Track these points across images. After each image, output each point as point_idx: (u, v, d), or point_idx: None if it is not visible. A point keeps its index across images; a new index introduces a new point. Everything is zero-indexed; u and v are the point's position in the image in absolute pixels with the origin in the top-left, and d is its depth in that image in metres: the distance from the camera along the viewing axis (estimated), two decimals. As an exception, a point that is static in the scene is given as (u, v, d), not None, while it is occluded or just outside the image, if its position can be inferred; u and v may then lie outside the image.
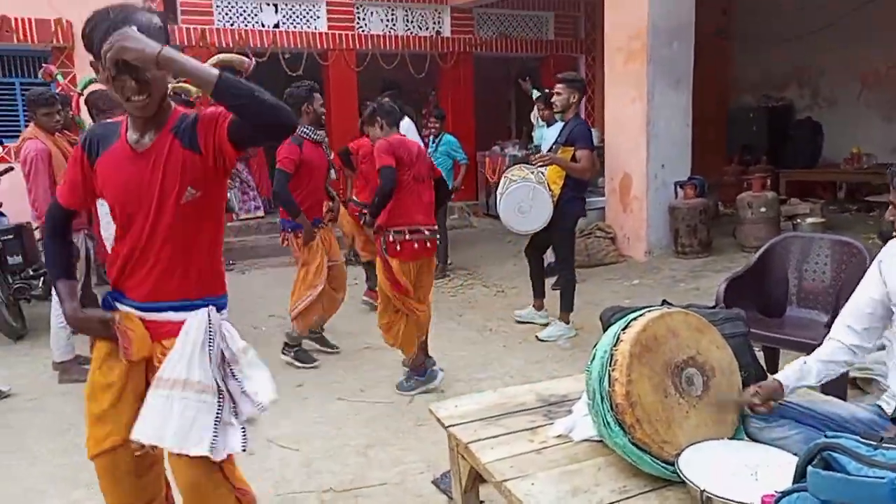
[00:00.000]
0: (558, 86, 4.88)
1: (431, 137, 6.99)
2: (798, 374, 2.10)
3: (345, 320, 5.44)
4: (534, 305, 5.26)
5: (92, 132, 2.00)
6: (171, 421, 1.80)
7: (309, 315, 4.42)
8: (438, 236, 3.98)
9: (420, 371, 4.03)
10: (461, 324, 5.36)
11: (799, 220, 6.98)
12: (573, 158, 4.71)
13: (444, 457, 2.88)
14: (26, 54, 7.82)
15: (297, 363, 4.47)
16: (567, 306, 4.96)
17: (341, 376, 4.33)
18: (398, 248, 3.79)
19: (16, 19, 7.45)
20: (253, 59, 5.68)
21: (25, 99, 4.72)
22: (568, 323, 4.91)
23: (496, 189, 5.40)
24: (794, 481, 1.50)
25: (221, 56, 5.60)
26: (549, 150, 4.90)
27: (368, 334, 5.10)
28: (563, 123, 4.89)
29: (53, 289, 2.09)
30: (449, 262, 7.07)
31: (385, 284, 3.88)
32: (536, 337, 4.97)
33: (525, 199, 4.63)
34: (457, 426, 2.34)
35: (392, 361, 4.52)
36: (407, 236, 3.79)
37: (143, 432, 1.82)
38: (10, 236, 5.17)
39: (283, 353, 4.50)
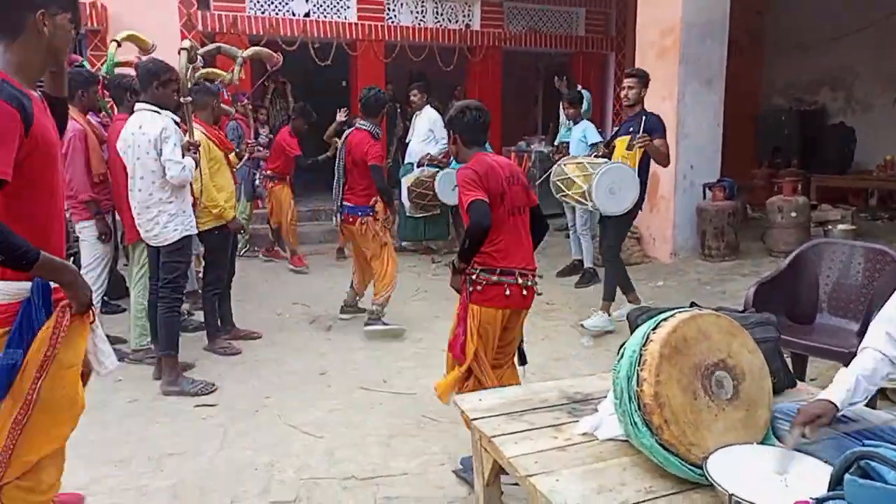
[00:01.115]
0: (630, 80, 4.96)
1: None
2: (849, 393, 1.95)
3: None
4: (630, 301, 5.09)
5: None
6: None
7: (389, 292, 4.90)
8: (537, 283, 3.05)
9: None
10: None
11: (830, 227, 6.88)
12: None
13: (465, 449, 2.89)
14: (62, 37, 7.93)
15: (387, 327, 4.91)
16: (608, 296, 4.99)
17: (363, 366, 4.36)
18: (485, 291, 2.89)
19: (53, 2, 7.56)
20: (280, 54, 5.79)
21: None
22: (609, 313, 4.92)
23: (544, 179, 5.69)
24: (830, 489, 1.48)
25: (253, 49, 5.67)
26: (605, 145, 5.01)
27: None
28: (632, 116, 4.96)
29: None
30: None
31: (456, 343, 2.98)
32: (581, 325, 5.04)
33: (616, 180, 4.64)
34: (480, 419, 2.34)
35: (412, 354, 4.55)
36: (497, 279, 2.88)
37: None
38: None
39: (370, 324, 4.90)
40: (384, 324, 4.90)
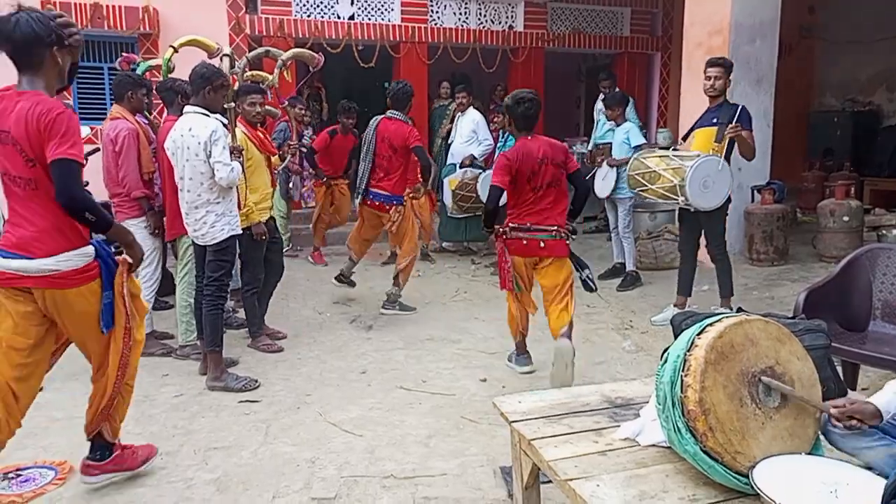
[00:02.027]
0: (715, 69, 4.78)
1: (502, 132, 6.96)
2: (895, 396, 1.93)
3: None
4: (676, 304, 5.07)
5: None
6: None
7: (408, 273, 5.40)
8: (562, 237, 3.95)
9: (517, 352, 4.25)
10: (523, 320, 5.33)
11: (884, 231, 6.64)
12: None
13: (504, 451, 2.89)
14: (114, 40, 8.17)
15: (402, 313, 5.37)
16: (728, 291, 4.92)
17: (403, 366, 4.38)
18: (511, 242, 3.98)
19: (107, 6, 7.79)
20: (322, 55, 5.89)
21: (115, 80, 4.83)
22: (731, 308, 4.79)
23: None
24: (884, 502, 1.44)
25: (295, 50, 5.78)
26: (683, 137, 4.97)
27: (431, 326, 5.15)
28: (714, 107, 4.83)
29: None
30: None
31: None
32: (650, 321, 5.03)
33: (710, 173, 4.51)
34: (520, 422, 2.33)
35: (452, 354, 4.56)
36: (520, 234, 3.94)
37: None
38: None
39: (386, 309, 5.36)
40: (401, 305, 5.41)
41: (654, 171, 4.74)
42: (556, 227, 3.92)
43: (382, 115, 5.34)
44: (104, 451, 2.88)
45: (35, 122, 2.41)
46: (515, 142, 4.03)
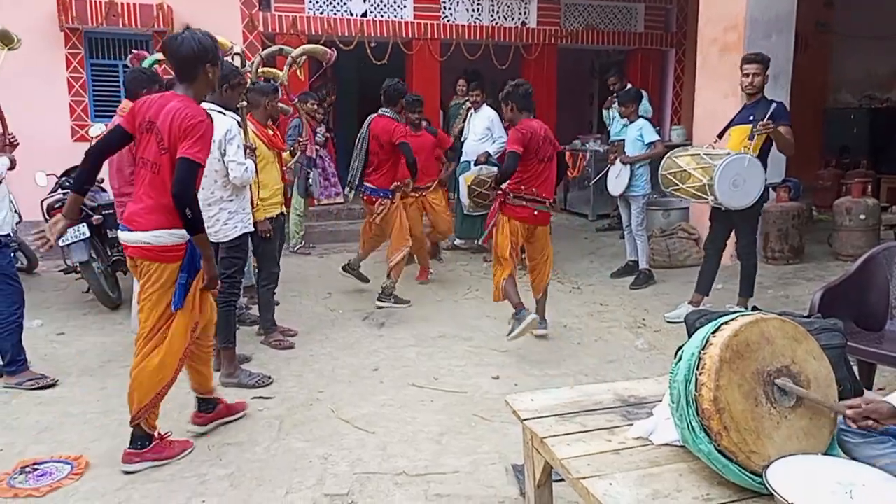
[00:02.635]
0: (752, 66, 4.71)
1: None
2: None
3: (421, 308, 5.51)
4: (691, 301, 5.06)
5: None
6: None
7: (400, 268, 5.54)
8: (552, 208, 4.62)
9: (516, 311, 4.40)
10: (535, 318, 5.32)
11: (901, 230, 6.57)
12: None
13: (516, 449, 2.88)
14: (129, 38, 8.23)
15: (396, 305, 5.47)
16: (747, 291, 4.93)
17: (415, 363, 4.39)
18: (514, 209, 4.49)
19: (122, 4, 7.85)
20: (334, 50, 5.90)
21: (129, 76, 4.84)
22: (746, 308, 4.77)
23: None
24: (901, 504, 1.42)
25: (307, 46, 5.79)
26: (718, 135, 4.94)
27: (442, 323, 5.16)
28: (750, 104, 4.77)
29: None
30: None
31: (496, 244, 4.61)
32: (664, 317, 5.03)
33: (740, 172, 4.44)
34: (532, 420, 2.33)
35: (464, 352, 4.56)
36: (525, 203, 4.48)
37: None
38: (111, 211, 5.48)
39: (381, 301, 5.47)
40: (395, 298, 5.51)
41: (685, 170, 4.68)
42: (547, 200, 4.55)
43: (377, 113, 5.58)
44: (144, 440, 3.08)
45: (180, 120, 2.85)
46: (518, 123, 4.49)
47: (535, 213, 4.52)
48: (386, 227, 5.59)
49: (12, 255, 4.17)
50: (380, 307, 5.47)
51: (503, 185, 4.56)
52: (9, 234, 4.05)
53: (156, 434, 3.14)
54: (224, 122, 3.83)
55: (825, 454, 1.92)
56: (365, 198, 5.64)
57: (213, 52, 2.99)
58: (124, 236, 3.01)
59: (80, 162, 3.16)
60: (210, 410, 3.43)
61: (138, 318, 3.09)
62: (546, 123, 4.41)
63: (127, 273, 5.69)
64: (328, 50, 5.85)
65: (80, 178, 3.09)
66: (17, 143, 4.26)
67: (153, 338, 3.00)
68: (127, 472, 3.02)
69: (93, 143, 4.32)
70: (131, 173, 4.46)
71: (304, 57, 5.82)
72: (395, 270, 5.51)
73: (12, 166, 4.14)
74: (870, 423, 1.84)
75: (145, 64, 5.68)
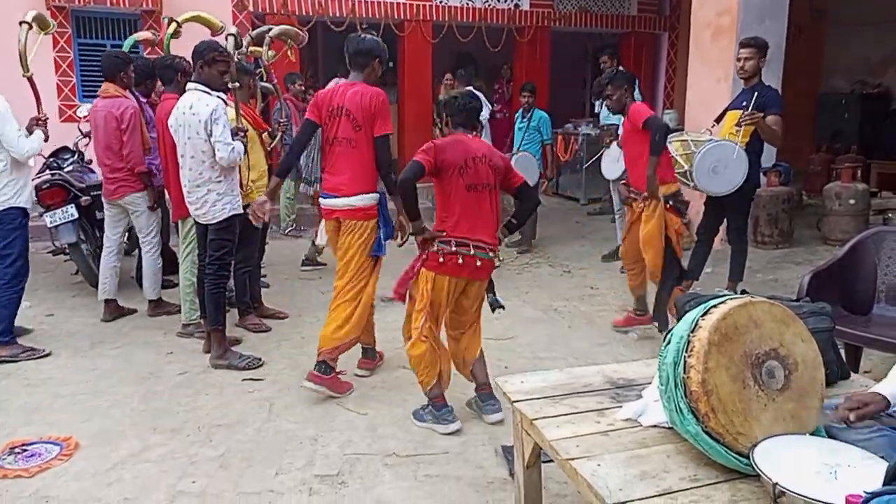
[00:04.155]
0: (748, 50, 4.65)
1: (521, 112, 6.89)
2: None
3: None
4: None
5: None
6: None
7: None
8: (495, 257, 3.31)
9: (437, 405, 3.31)
10: (526, 302, 5.34)
11: (890, 215, 6.60)
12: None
13: (505, 431, 2.90)
14: (118, 17, 8.12)
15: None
16: (737, 276, 4.92)
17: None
18: (440, 259, 3.17)
19: (110, -17, 7.74)
20: (307, 32, 5.91)
21: (105, 58, 4.88)
22: (736, 292, 4.78)
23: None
24: (885, 483, 1.44)
25: (281, 27, 5.73)
26: (716, 119, 4.90)
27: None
28: (747, 88, 4.71)
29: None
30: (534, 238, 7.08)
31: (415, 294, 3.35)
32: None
33: (720, 158, 4.43)
34: (522, 402, 2.34)
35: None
36: (452, 248, 3.17)
37: None
38: (99, 192, 5.43)
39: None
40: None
41: (673, 156, 4.70)
42: (490, 245, 3.26)
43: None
44: (327, 369, 3.60)
45: (368, 102, 3.47)
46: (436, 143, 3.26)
47: (478, 263, 3.21)
48: None
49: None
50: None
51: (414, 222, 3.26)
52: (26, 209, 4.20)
53: (336, 369, 3.63)
54: (210, 102, 3.79)
55: (812, 435, 1.94)
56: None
57: (383, 51, 3.64)
58: (331, 202, 3.58)
59: (287, 153, 4.06)
60: (374, 357, 3.99)
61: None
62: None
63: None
64: (300, 31, 5.84)
65: (286, 167, 3.84)
66: (47, 118, 4.36)
67: (351, 291, 3.57)
68: (306, 388, 3.54)
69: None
70: (120, 149, 4.60)
71: (289, 38, 5.76)
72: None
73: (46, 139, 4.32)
74: (868, 409, 1.85)
75: (126, 45, 5.64)
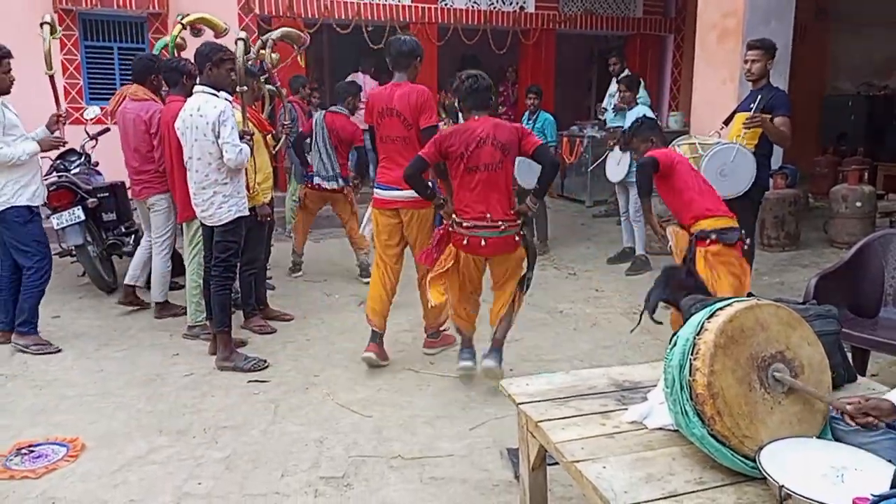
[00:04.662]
0: (755, 52, 4.64)
1: (528, 114, 6.89)
2: None
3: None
4: None
5: None
6: None
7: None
8: (508, 232, 3.50)
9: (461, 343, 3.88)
10: (531, 304, 5.29)
11: (896, 217, 6.59)
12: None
13: (510, 433, 2.90)
14: (124, 19, 8.15)
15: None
16: None
17: (410, 348, 4.39)
18: (456, 237, 3.56)
19: (117, -14, 7.78)
20: (308, 35, 5.97)
21: (137, 61, 5.04)
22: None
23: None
24: (893, 486, 1.43)
25: (283, 30, 5.74)
26: (725, 121, 4.88)
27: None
28: (754, 90, 4.70)
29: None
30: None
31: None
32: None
33: (728, 161, 4.42)
34: (527, 404, 2.33)
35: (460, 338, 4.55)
36: (460, 228, 3.50)
37: None
38: (106, 194, 5.47)
39: (363, 275, 5.82)
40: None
41: None
42: (501, 221, 3.46)
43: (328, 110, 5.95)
44: (436, 334, 4.28)
45: (415, 100, 3.78)
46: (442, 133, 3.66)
47: (483, 242, 3.47)
48: (344, 213, 6.02)
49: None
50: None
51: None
52: (38, 207, 4.30)
53: (441, 329, 4.25)
54: (217, 104, 3.80)
55: (819, 438, 1.93)
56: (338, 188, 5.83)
57: (422, 52, 3.99)
58: (393, 194, 3.88)
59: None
60: (437, 337, 4.31)
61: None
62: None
63: (122, 257, 5.69)
64: (301, 34, 5.87)
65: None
66: (65, 116, 4.50)
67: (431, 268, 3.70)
68: (427, 353, 4.19)
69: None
70: (148, 151, 4.69)
71: (290, 41, 5.78)
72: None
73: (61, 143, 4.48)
74: (870, 419, 1.84)
75: (156, 49, 5.68)
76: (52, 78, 4.36)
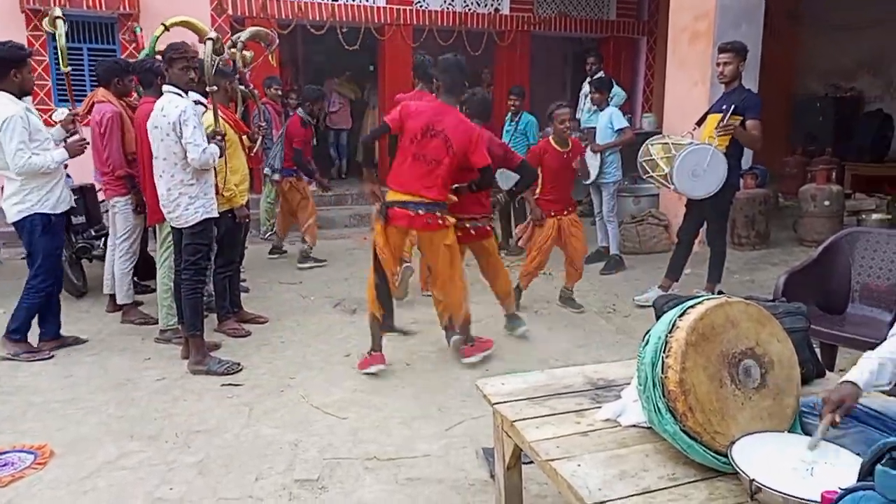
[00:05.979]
0: (726, 55, 4.70)
1: (510, 115, 6.88)
2: (871, 375, 1.95)
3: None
4: (661, 285, 5.15)
5: None
6: None
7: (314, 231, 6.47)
8: (441, 216, 3.81)
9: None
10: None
11: (864, 216, 6.72)
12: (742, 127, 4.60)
13: (487, 433, 2.89)
14: (94, 20, 8.02)
15: (317, 265, 6.39)
16: (715, 278, 4.98)
17: (387, 349, 4.36)
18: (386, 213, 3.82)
19: (86, -15, 7.64)
20: (276, 34, 5.99)
21: (102, 65, 5.02)
22: (713, 293, 4.81)
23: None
24: (859, 479, 1.45)
25: (253, 29, 5.70)
26: (697, 122, 4.95)
27: (417, 311, 5.15)
28: (727, 92, 4.75)
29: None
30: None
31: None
32: (633, 300, 5.12)
33: (700, 162, 4.49)
34: (503, 404, 2.34)
35: (436, 338, 4.55)
36: (394, 204, 3.81)
37: None
38: (75, 196, 5.35)
39: (302, 262, 6.32)
40: (314, 259, 6.39)
41: (654, 159, 4.77)
42: (425, 199, 3.76)
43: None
44: (470, 339, 4.11)
45: (467, 134, 3.74)
46: (406, 103, 3.96)
47: (427, 220, 3.78)
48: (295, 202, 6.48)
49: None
50: (300, 268, 6.31)
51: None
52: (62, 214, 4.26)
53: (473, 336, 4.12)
54: (179, 104, 3.79)
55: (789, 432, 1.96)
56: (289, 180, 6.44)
57: (467, 74, 3.96)
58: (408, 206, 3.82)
59: (367, 150, 5.43)
60: (471, 344, 4.17)
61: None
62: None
63: (92, 260, 5.59)
64: (270, 32, 5.86)
65: (371, 161, 4.45)
66: (78, 114, 4.56)
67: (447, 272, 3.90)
68: (467, 363, 4.02)
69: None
70: (133, 154, 4.64)
71: (260, 40, 5.73)
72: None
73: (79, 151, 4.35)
74: (847, 405, 1.88)
75: (146, 50, 5.53)
76: (68, 75, 4.36)
